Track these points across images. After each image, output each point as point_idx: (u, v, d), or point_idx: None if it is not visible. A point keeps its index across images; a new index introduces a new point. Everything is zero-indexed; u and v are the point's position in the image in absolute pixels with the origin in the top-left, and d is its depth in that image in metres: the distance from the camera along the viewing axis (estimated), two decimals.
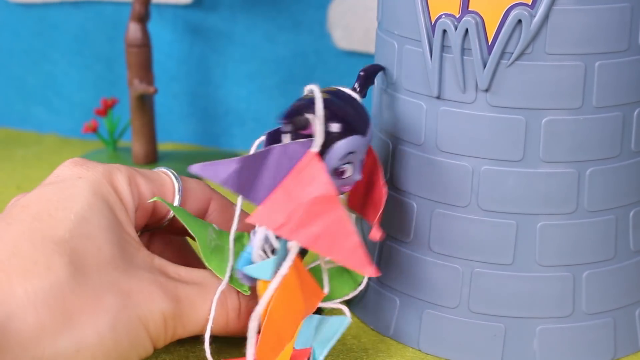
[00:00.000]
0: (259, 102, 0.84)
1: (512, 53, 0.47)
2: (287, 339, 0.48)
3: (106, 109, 0.78)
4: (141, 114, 0.75)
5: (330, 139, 0.47)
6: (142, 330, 0.46)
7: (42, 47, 0.86)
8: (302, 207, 0.46)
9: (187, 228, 0.50)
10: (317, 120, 0.46)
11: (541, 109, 0.48)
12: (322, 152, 0.47)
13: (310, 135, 0.46)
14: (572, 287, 0.50)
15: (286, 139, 0.47)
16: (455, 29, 0.48)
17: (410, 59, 0.50)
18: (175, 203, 0.51)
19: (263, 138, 0.48)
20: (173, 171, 0.52)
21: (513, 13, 0.46)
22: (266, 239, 0.48)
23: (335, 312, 0.55)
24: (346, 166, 0.48)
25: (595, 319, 0.51)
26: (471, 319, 0.51)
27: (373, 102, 0.56)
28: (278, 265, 0.47)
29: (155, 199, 0.50)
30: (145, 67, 0.75)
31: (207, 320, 0.49)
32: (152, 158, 0.76)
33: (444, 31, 0.48)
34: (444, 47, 0.49)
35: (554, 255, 0.50)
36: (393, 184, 0.53)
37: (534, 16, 0.46)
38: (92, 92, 0.86)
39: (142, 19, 0.74)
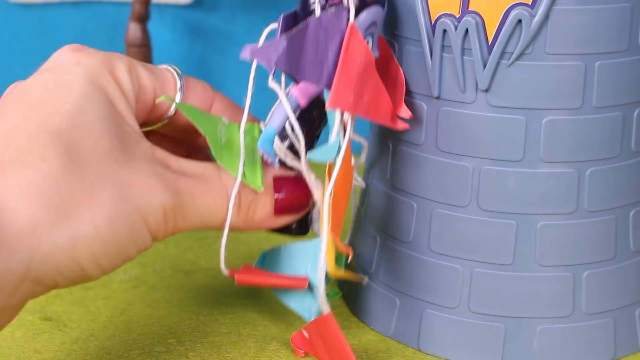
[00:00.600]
0: (259, 102, 0.84)
1: (512, 53, 0.47)
2: (343, 212, 0.49)
3: None
4: None
5: (356, 8, 0.48)
6: (141, 223, 0.45)
7: (42, 47, 0.86)
8: (358, 80, 0.47)
9: (193, 122, 0.48)
10: None
11: (541, 109, 0.48)
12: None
13: (337, 4, 0.48)
14: (572, 287, 0.50)
15: (317, 10, 0.48)
16: (455, 29, 0.48)
17: (411, 59, 0.50)
18: (177, 100, 0.50)
19: (273, 25, 0.49)
20: (176, 68, 0.51)
21: (513, 13, 0.46)
22: (286, 119, 0.49)
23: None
24: (368, 38, 0.49)
25: (595, 319, 0.51)
26: (471, 319, 0.51)
27: None
28: (338, 147, 0.47)
29: (162, 98, 0.48)
30: None
31: (209, 213, 0.48)
32: None
33: (444, 31, 0.48)
34: (444, 47, 0.49)
35: (554, 255, 0.50)
36: (393, 184, 0.53)
37: (534, 16, 0.46)
38: None
39: (142, 19, 0.74)
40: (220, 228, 0.49)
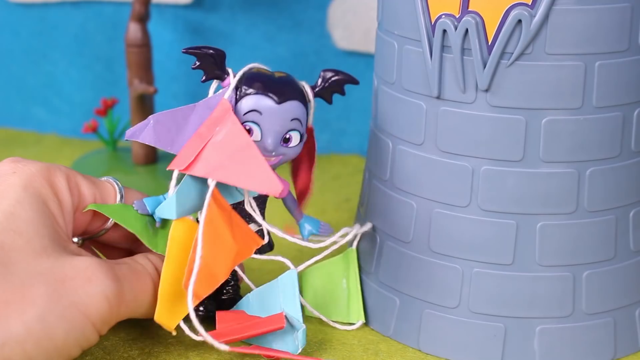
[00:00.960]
0: None
1: (512, 53, 0.47)
2: (221, 276, 0.49)
3: (106, 109, 0.78)
4: (141, 114, 0.75)
5: (241, 94, 0.50)
6: (81, 317, 0.46)
7: (42, 47, 0.86)
8: (212, 145, 0.49)
9: (113, 219, 0.50)
10: (231, 72, 0.51)
11: (541, 109, 0.48)
12: (234, 107, 0.50)
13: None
14: (572, 287, 0.50)
15: (210, 91, 0.51)
16: (455, 29, 0.48)
17: (410, 59, 0.50)
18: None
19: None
20: (117, 180, 0.53)
21: (513, 13, 0.46)
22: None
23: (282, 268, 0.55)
24: (252, 125, 0.50)
25: (595, 319, 0.51)
26: (471, 319, 0.51)
27: (373, 101, 0.56)
28: (181, 203, 0.49)
29: (89, 207, 0.50)
30: (145, 67, 0.75)
31: (142, 294, 0.49)
32: (152, 158, 0.76)
33: (444, 31, 0.48)
34: (444, 47, 0.49)
35: (554, 255, 0.50)
36: (393, 183, 0.53)
37: (534, 16, 0.46)
38: (92, 92, 0.86)
39: (142, 19, 0.74)
40: (147, 313, 0.50)
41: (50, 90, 0.87)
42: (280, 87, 0.50)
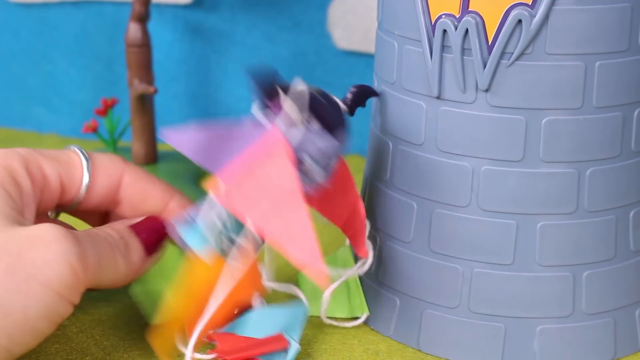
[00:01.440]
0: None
1: (512, 53, 0.47)
2: (223, 322, 0.49)
3: (106, 109, 0.78)
4: (141, 114, 0.75)
5: (303, 128, 0.47)
6: (41, 288, 0.43)
7: (42, 47, 0.86)
8: (268, 195, 0.45)
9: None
10: (288, 100, 0.47)
11: (541, 109, 0.48)
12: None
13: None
14: (572, 287, 0.50)
15: (255, 108, 0.48)
16: (455, 29, 0.48)
17: (410, 59, 0.50)
18: (85, 180, 0.51)
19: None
20: (81, 148, 0.52)
21: (513, 13, 0.46)
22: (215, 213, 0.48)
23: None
24: (307, 158, 0.47)
25: (595, 319, 0.51)
26: (471, 319, 0.51)
27: (373, 101, 0.56)
28: (206, 241, 0.48)
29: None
30: (145, 67, 0.75)
31: (110, 263, 0.48)
32: (152, 158, 0.76)
33: (444, 31, 0.48)
34: (444, 47, 0.49)
35: (554, 255, 0.50)
36: (393, 183, 0.53)
37: (534, 16, 0.46)
38: (92, 92, 0.86)
39: (142, 19, 0.74)
40: (115, 281, 0.48)
41: (50, 90, 0.87)
42: (337, 121, 0.48)
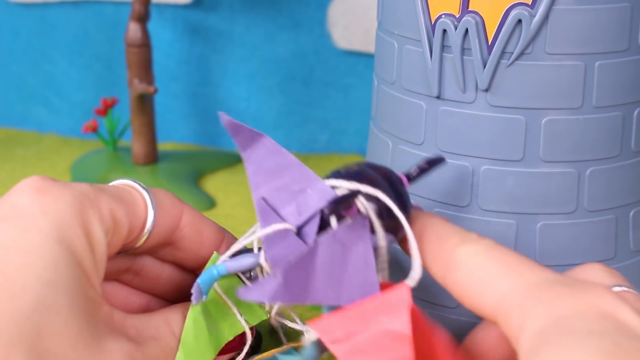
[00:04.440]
0: (259, 102, 0.84)
1: (512, 53, 0.47)
2: None
3: (106, 109, 0.78)
4: (141, 114, 0.75)
5: (379, 215, 0.43)
6: None
7: (42, 47, 0.86)
8: (370, 333, 0.41)
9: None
10: (364, 205, 0.43)
11: (541, 108, 0.48)
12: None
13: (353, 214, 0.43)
14: None
15: (333, 222, 0.43)
16: (455, 28, 0.48)
17: (410, 58, 0.50)
18: (150, 219, 0.47)
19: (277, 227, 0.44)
20: (139, 182, 0.47)
21: (513, 13, 0.46)
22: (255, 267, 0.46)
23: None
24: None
25: None
26: (472, 319, 0.51)
27: (373, 101, 0.56)
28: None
29: (214, 257, 0.46)
30: (145, 67, 0.75)
31: None
32: (152, 158, 0.76)
33: (444, 31, 0.48)
34: (444, 47, 0.49)
35: (554, 255, 0.50)
36: None
37: (534, 16, 0.46)
38: (92, 92, 0.86)
39: (142, 18, 0.74)
40: None
41: (50, 90, 0.87)
42: (403, 200, 0.45)
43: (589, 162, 0.49)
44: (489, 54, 0.47)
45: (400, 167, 0.52)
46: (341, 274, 0.42)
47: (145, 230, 0.47)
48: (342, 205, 0.42)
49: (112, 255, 0.45)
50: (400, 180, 0.46)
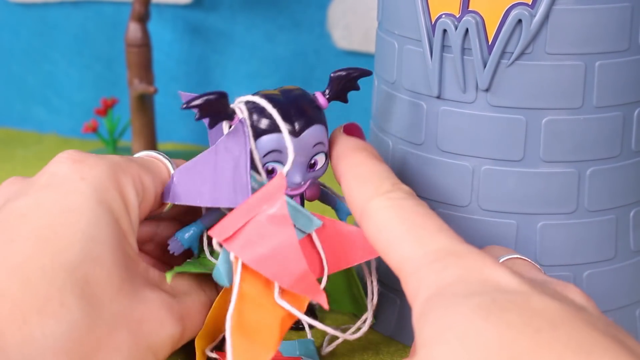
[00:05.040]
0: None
1: (513, 53, 0.47)
2: (268, 344, 0.46)
3: (106, 109, 0.78)
4: (141, 114, 0.75)
5: (254, 134, 0.46)
6: (152, 358, 0.44)
7: (42, 47, 0.86)
8: (254, 223, 0.45)
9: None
10: (239, 110, 0.47)
11: (541, 108, 0.48)
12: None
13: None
14: None
15: (225, 128, 0.47)
16: (456, 28, 0.48)
17: (411, 58, 0.50)
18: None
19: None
20: (162, 153, 0.50)
21: (513, 13, 0.46)
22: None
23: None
24: (274, 164, 0.47)
25: None
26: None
27: (373, 101, 0.56)
28: (230, 273, 0.47)
29: (168, 276, 0.47)
30: (145, 67, 0.75)
31: (197, 327, 0.47)
32: None
33: (444, 31, 0.48)
34: (444, 47, 0.49)
35: (554, 255, 0.50)
36: None
37: (534, 16, 0.46)
38: (92, 92, 0.86)
39: (142, 18, 0.74)
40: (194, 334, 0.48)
41: (50, 90, 0.87)
42: (294, 115, 0.47)
43: (590, 162, 0.49)
44: (489, 54, 0.47)
45: (400, 167, 0.52)
46: (226, 177, 0.46)
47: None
48: (191, 106, 0.45)
49: (141, 219, 0.48)
50: (311, 98, 0.48)
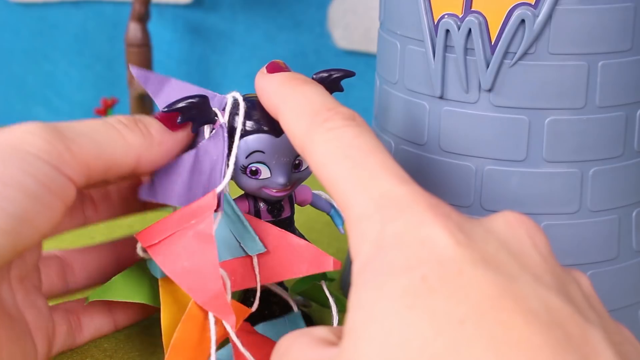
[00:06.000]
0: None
1: (515, 53, 0.47)
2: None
3: (106, 109, 0.78)
4: (141, 114, 0.75)
5: (239, 134, 0.47)
6: (15, 150, 0.42)
7: (42, 46, 0.86)
8: (180, 235, 0.45)
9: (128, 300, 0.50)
10: (220, 114, 0.47)
11: (544, 108, 0.48)
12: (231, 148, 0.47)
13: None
14: None
15: (206, 132, 0.47)
16: (458, 29, 0.48)
17: (413, 59, 0.50)
18: None
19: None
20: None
21: (516, 13, 0.46)
22: None
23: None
24: (258, 165, 0.47)
25: None
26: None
27: (375, 101, 0.56)
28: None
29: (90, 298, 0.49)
30: (145, 67, 0.75)
31: (107, 137, 0.45)
32: None
33: (447, 31, 0.48)
34: (446, 47, 0.49)
35: (556, 255, 0.49)
36: None
37: (537, 16, 0.46)
38: (92, 91, 0.86)
39: (142, 18, 0.74)
40: (133, 158, 0.46)
41: (50, 90, 0.87)
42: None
43: (592, 162, 0.49)
44: (492, 54, 0.47)
45: (402, 167, 0.52)
46: (201, 180, 0.47)
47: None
48: (173, 110, 0.46)
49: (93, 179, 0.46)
50: None
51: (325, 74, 0.49)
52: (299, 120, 0.42)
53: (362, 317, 0.35)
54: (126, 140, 0.45)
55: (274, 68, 0.46)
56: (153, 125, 0.47)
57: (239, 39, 0.82)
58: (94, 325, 0.51)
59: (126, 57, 0.75)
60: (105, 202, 0.52)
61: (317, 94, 0.43)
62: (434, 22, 0.49)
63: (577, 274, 0.38)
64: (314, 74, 0.48)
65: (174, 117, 0.47)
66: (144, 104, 0.75)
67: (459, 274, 0.34)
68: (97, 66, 0.85)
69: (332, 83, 0.49)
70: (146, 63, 0.75)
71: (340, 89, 0.49)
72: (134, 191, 0.51)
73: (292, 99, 0.43)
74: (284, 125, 0.43)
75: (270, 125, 0.47)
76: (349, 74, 0.49)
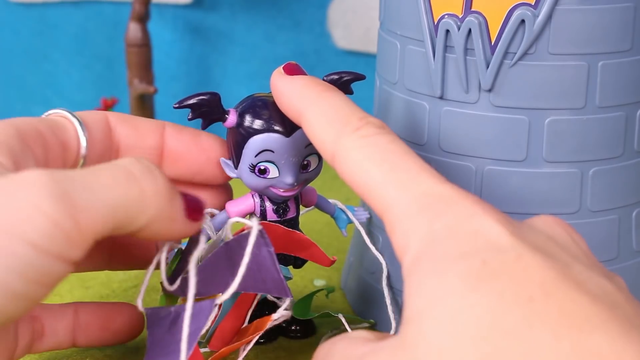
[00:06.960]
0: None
1: (515, 53, 0.47)
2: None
3: (106, 109, 0.78)
4: (141, 114, 0.75)
5: (246, 134, 0.47)
6: (8, 239, 0.36)
7: (42, 46, 0.86)
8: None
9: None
10: (232, 112, 0.48)
11: (544, 109, 0.48)
12: (243, 147, 0.47)
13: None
14: None
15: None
16: (458, 29, 0.48)
17: (413, 59, 0.50)
18: (83, 138, 0.46)
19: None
20: (66, 110, 0.46)
21: (516, 13, 0.46)
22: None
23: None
24: (266, 164, 0.48)
25: None
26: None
27: (375, 102, 0.56)
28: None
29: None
30: (145, 67, 0.75)
31: (117, 194, 0.39)
32: None
33: (447, 31, 0.48)
34: (446, 47, 0.49)
35: None
36: None
37: (537, 16, 0.46)
38: (92, 92, 0.86)
39: (142, 18, 0.74)
40: (151, 220, 0.40)
41: (50, 90, 0.87)
42: (285, 115, 0.46)
43: (592, 162, 0.49)
44: (492, 54, 0.47)
45: None
46: (252, 271, 0.44)
47: (82, 147, 0.45)
48: (184, 106, 0.47)
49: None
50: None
51: (336, 76, 0.49)
52: (327, 127, 0.42)
53: (424, 303, 0.35)
54: (143, 199, 0.40)
55: (292, 70, 0.46)
56: (161, 178, 0.41)
57: (239, 39, 0.82)
58: (56, 338, 0.48)
59: (126, 57, 0.75)
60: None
61: (344, 102, 0.43)
62: (434, 22, 0.49)
63: (612, 273, 0.39)
64: (325, 76, 0.49)
65: (199, 209, 0.43)
66: (144, 104, 0.75)
67: (518, 259, 0.35)
68: (97, 66, 0.85)
69: (342, 85, 0.49)
70: (146, 63, 0.75)
71: (350, 92, 0.50)
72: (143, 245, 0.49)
73: (317, 105, 0.43)
74: (308, 130, 0.43)
75: (281, 125, 0.47)
76: (360, 77, 0.50)
